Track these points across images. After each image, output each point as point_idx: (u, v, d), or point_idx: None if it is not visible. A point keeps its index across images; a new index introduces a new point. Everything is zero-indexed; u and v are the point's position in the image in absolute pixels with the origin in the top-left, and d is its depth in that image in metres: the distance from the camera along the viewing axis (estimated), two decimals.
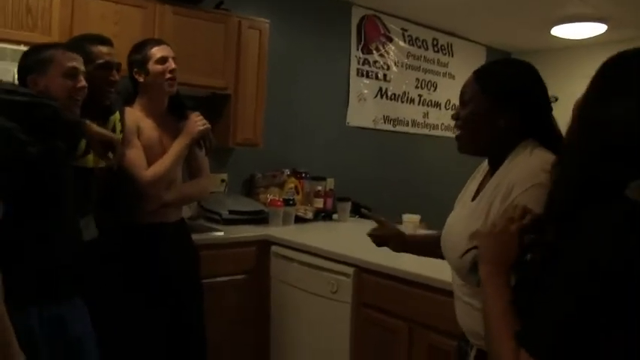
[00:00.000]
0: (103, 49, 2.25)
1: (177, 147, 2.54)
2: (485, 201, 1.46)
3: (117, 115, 2.41)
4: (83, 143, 2.17)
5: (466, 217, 1.52)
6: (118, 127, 2.40)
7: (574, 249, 0.91)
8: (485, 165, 1.62)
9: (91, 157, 2.25)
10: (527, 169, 1.38)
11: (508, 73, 1.52)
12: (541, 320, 0.91)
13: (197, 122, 2.59)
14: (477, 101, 1.49)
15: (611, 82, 1.01)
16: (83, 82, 1.95)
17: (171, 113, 2.63)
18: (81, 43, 2.22)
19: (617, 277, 0.85)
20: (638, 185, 0.91)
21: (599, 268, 0.86)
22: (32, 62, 1.90)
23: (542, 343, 0.89)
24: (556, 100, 1.53)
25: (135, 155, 2.45)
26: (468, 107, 1.52)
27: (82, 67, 1.97)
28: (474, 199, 1.55)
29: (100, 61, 2.22)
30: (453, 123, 1.61)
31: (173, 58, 2.55)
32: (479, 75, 1.54)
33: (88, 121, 1.99)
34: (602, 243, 0.88)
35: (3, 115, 1.70)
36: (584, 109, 1.04)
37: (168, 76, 2.51)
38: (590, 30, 4.76)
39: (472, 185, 1.63)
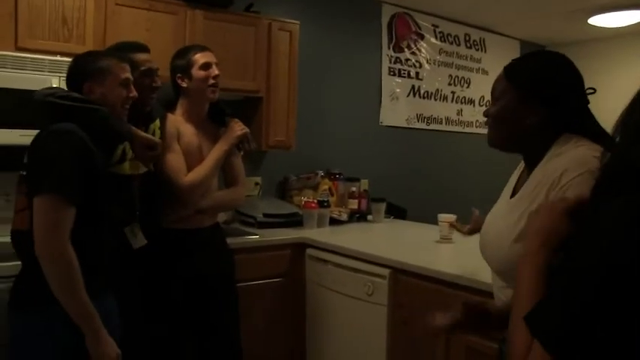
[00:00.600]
0: (143, 56, 2.32)
1: (215, 154, 2.55)
2: (526, 197, 1.42)
3: (157, 122, 2.44)
4: (120, 150, 2.21)
5: (505, 215, 1.48)
6: (157, 134, 2.42)
7: (594, 238, 0.85)
8: (522, 164, 1.58)
9: (127, 164, 2.28)
10: (577, 157, 1.34)
11: (538, 66, 1.47)
12: (556, 308, 0.85)
13: (236, 128, 2.61)
14: (507, 97, 1.45)
15: None
16: (134, 92, 2.04)
17: (212, 120, 2.65)
18: (124, 52, 2.25)
19: (633, 270, 0.79)
20: None
21: (617, 260, 0.80)
22: (89, 70, 1.96)
23: (555, 333, 0.84)
24: (594, 91, 1.47)
25: (175, 160, 2.46)
26: (498, 104, 1.49)
27: (132, 77, 2.05)
28: (512, 196, 1.52)
29: (143, 68, 2.28)
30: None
31: (216, 64, 2.56)
32: (508, 70, 1.50)
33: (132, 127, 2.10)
34: (619, 235, 0.82)
35: (68, 121, 1.82)
36: None
37: (211, 82, 2.53)
38: (627, 18, 4.63)
39: (510, 183, 1.59)
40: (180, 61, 2.54)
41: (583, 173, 1.29)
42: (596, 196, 0.96)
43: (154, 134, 2.39)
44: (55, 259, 1.72)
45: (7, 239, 1.92)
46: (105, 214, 1.94)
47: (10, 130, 2.47)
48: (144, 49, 2.35)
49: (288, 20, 3.69)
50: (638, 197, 0.85)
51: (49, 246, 1.72)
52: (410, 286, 2.61)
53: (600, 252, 0.83)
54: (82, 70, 1.98)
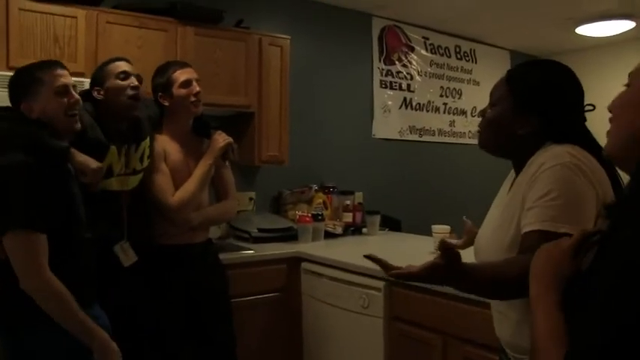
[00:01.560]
0: (119, 63, 2.31)
1: (201, 169, 2.55)
2: (512, 204, 1.42)
3: (147, 141, 2.42)
4: (105, 165, 2.20)
5: (496, 223, 1.48)
6: (147, 152, 2.41)
7: (616, 253, 0.84)
8: (512, 172, 1.59)
9: (114, 180, 2.27)
10: (553, 153, 1.35)
11: (540, 77, 1.46)
12: (584, 345, 0.83)
13: (219, 140, 2.60)
14: (505, 104, 1.46)
15: None
16: (75, 96, 1.95)
17: (196, 134, 2.65)
18: (100, 66, 2.33)
19: None
20: None
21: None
22: (21, 87, 1.91)
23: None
24: (593, 108, 1.46)
25: (162, 181, 2.46)
26: (494, 109, 1.48)
27: (69, 81, 1.95)
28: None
29: (118, 71, 2.27)
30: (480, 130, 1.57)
31: (197, 80, 2.55)
32: (510, 75, 1.50)
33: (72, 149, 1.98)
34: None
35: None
36: None
37: (192, 99, 2.52)
38: (616, 27, 4.67)
39: (503, 190, 1.59)
40: (160, 80, 2.53)
41: (555, 166, 1.30)
42: (624, 202, 0.94)
43: (143, 153, 2.38)
44: (43, 293, 1.75)
45: None
46: (80, 233, 1.92)
47: None
48: (120, 59, 2.35)
49: (279, 35, 3.70)
50: None
51: (33, 281, 1.75)
52: (405, 298, 2.60)
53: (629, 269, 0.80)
54: (14, 89, 1.92)
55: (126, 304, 2.28)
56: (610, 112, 1.04)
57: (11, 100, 1.94)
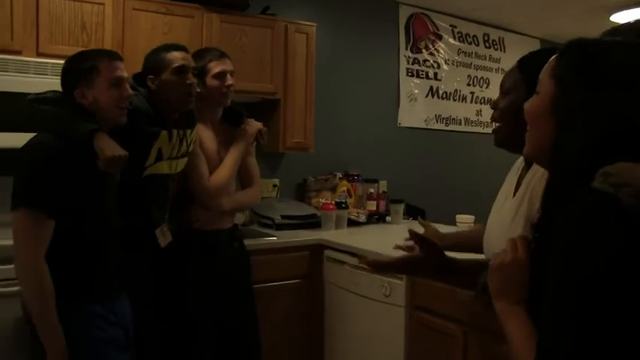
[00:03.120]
0: (177, 54, 2.27)
1: (233, 155, 2.58)
2: (518, 199, 1.39)
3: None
4: (154, 149, 2.22)
5: (503, 216, 1.45)
6: (194, 137, 2.43)
7: (555, 255, 0.89)
8: (520, 161, 1.55)
9: (164, 164, 2.29)
10: None
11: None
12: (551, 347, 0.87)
13: (250, 126, 2.63)
14: (518, 91, 1.39)
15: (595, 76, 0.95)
16: (128, 90, 1.96)
17: (228, 122, 2.66)
18: (158, 53, 2.28)
19: (598, 284, 0.82)
20: (601, 175, 0.87)
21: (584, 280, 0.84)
22: (77, 74, 1.91)
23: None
24: None
25: (200, 165, 2.49)
26: (508, 97, 1.44)
27: (124, 74, 1.96)
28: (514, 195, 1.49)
29: (175, 65, 2.24)
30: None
31: (231, 73, 2.55)
32: (523, 62, 1.45)
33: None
34: (574, 248, 0.86)
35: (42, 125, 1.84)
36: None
37: (223, 90, 2.53)
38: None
39: (507, 185, 1.55)
40: (197, 65, 2.52)
41: None
42: (547, 203, 0.98)
43: (189, 142, 2.39)
44: (29, 283, 1.75)
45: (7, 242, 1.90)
46: (102, 218, 1.93)
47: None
48: (178, 47, 2.30)
49: (305, 22, 3.69)
50: (578, 201, 0.88)
51: (24, 266, 1.76)
52: (427, 288, 2.58)
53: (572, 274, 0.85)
54: (70, 74, 1.92)
55: (156, 289, 2.31)
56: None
57: (63, 85, 1.94)
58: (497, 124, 1.49)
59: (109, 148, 1.86)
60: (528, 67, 1.42)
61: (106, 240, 1.95)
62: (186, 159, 2.41)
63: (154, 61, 2.27)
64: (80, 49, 2.74)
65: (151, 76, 2.26)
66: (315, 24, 3.73)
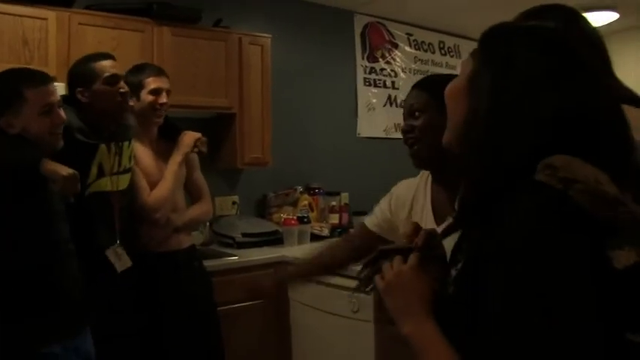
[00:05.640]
0: (106, 62, 2.19)
1: (171, 167, 2.51)
2: None
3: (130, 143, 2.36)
4: (94, 166, 2.14)
5: None
6: (133, 152, 2.36)
7: (501, 253, 0.77)
8: (425, 178, 1.56)
9: (107, 180, 2.20)
10: None
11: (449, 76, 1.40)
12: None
13: (186, 137, 2.56)
14: (431, 109, 1.37)
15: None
16: (62, 116, 1.84)
17: (164, 137, 2.60)
18: (84, 64, 2.19)
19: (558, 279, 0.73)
20: (547, 167, 0.78)
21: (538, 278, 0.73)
22: (2, 102, 1.79)
23: None
24: None
25: (137, 180, 2.42)
26: (423, 116, 1.40)
27: (56, 99, 1.83)
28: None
29: (106, 74, 2.16)
30: None
31: (167, 92, 2.51)
32: (423, 84, 1.46)
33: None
34: (525, 249, 0.75)
35: None
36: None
37: (157, 107, 2.47)
38: (599, 19, 4.62)
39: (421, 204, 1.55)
40: (133, 79, 2.44)
41: None
42: (473, 204, 0.89)
43: (131, 152, 2.32)
44: None
45: None
46: (51, 243, 1.82)
47: None
48: (106, 56, 2.23)
49: (259, 34, 3.62)
50: (524, 194, 0.79)
51: None
52: None
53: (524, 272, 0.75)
54: None
55: (117, 310, 2.21)
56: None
57: None
58: (417, 147, 1.44)
59: (62, 168, 1.75)
60: (430, 86, 1.42)
61: (59, 266, 1.82)
62: (129, 175, 2.32)
63: (82, 73, 2.18)
64: (22, 66, 2.63)
65: (79, 89, 2.16)
66: (269, 35, 3.66)
